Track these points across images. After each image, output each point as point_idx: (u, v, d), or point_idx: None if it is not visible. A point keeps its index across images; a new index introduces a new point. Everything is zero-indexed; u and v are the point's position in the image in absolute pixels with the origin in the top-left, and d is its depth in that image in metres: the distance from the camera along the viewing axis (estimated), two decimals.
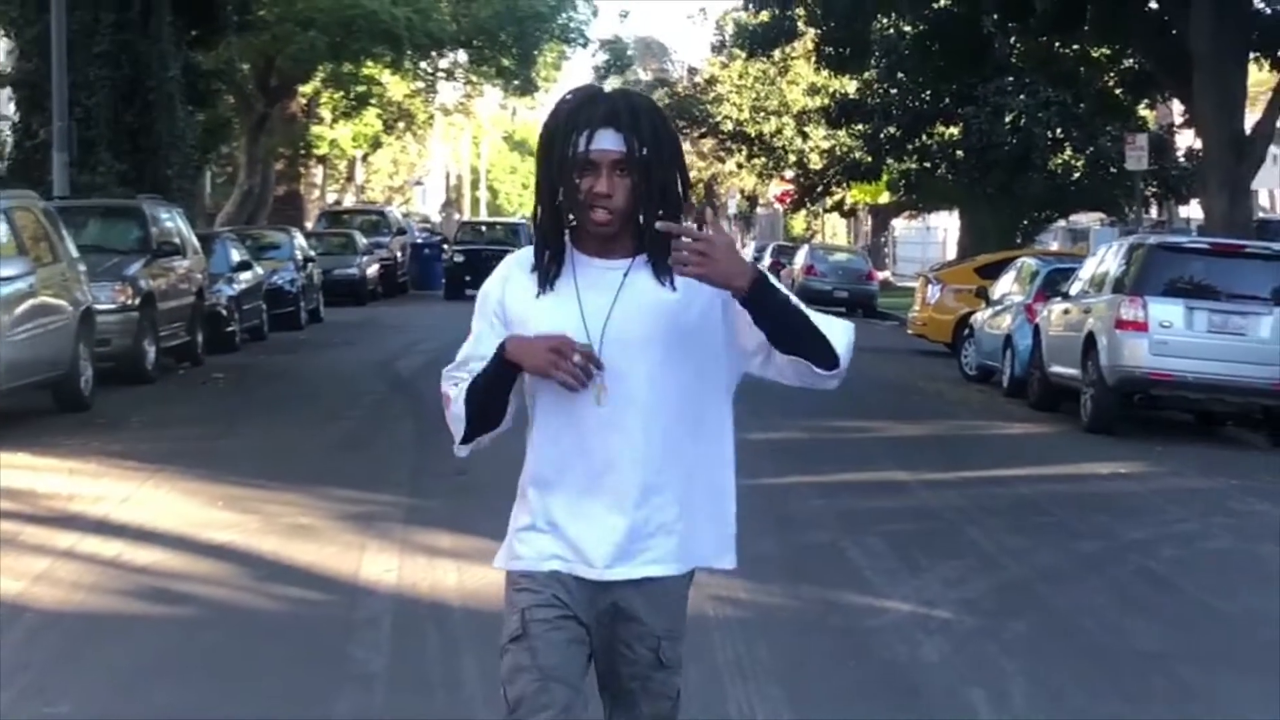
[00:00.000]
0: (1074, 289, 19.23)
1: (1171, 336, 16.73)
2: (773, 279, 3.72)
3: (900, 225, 69.77)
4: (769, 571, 9.22)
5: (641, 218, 3.79)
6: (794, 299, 3.74)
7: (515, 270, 3.91)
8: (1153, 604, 9.21)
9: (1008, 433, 17.66)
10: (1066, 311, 18.90)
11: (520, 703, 3.75)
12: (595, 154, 3.72)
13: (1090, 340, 17.38)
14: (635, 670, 3.89)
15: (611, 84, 52.28)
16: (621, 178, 3.74)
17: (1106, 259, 18.74)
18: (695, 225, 3.67)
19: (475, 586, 8.39)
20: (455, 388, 3.87)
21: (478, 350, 3.87)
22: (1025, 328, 20.60)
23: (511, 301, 3.87)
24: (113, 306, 17.91)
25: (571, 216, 3.82)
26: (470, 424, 3.84)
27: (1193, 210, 40.65)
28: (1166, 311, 16.83)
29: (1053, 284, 20.95)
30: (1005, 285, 23.54)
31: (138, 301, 18.51)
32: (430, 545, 9.74)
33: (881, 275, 51.18)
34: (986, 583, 9.46)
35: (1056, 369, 18.78)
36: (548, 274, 3.83)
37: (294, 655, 7.43)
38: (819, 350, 3.73)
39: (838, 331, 3.77)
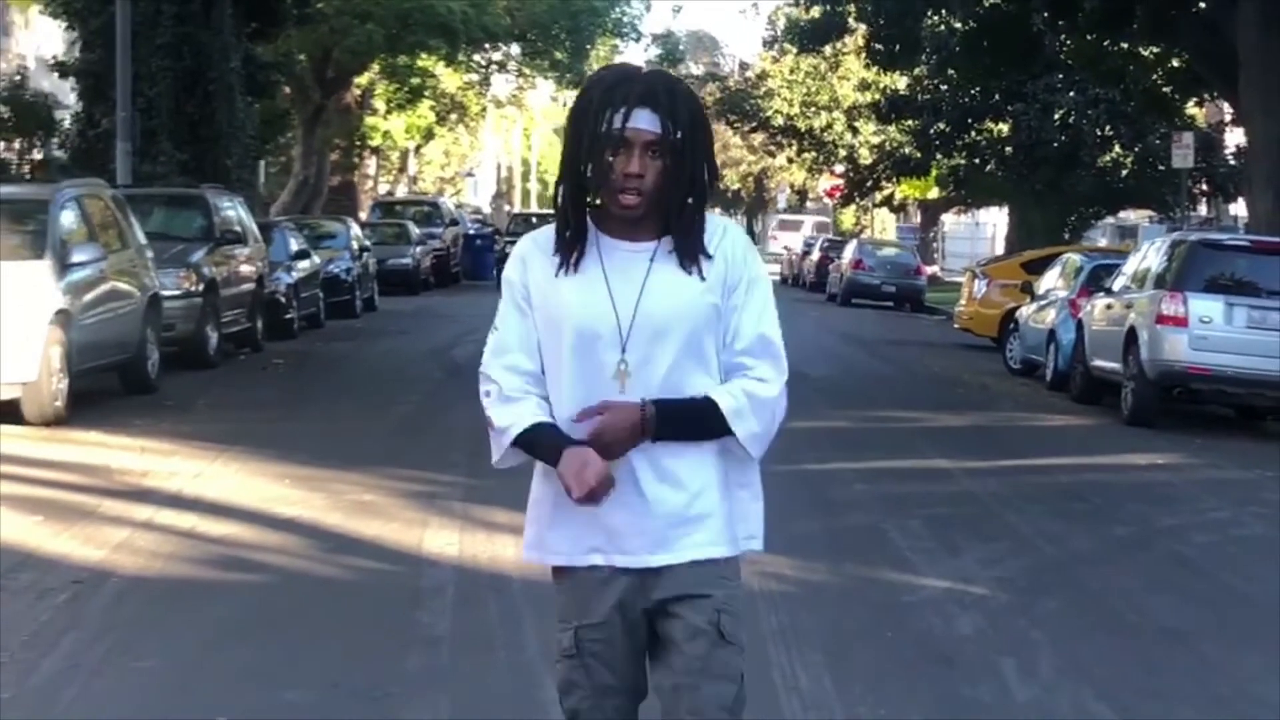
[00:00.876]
0: (1117, 284, 19.53)
1: (1211, 332, 17.03)
2: (671, 412, 3.74)
3: (950, 220, 69.95)
4: (813, 550, 9.64)
5: (669, 200, 3.75)
6: (699, 407, 3.77)
7: (533, 251, 3.85)
8: (1180, 585, 9.58)
9: (1049, 424, 18.01)
10: (1109, 306, 19.22)
11: (576, 715, 3.87)
12: (630, 132, 3.65)
13: (1131, 335, 17.70)
14: (695, 649, 3.76)
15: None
16: (654, 159, 3.68)
17: (1148, 255, 19.05)
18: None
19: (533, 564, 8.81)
20: (498, 406, 3.82)
21: (507, 339, 3.84)
22: (1069, 322, 20.93)
23: (536, 284, 3.82)
24: (177, 292, 18.42)
25: (595, 197, 3.78)
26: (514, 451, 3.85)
27: (1242, 208, 40.76)
28: (1206, 307, 17.14)
29: (1096, 279, 21.25)
30: (1050, 280, 23.85)
31: (201, 288, 19.04)
32: (489, 521, 10.18)
33: (930, 270, 51.45)
34: (1021, 563, 9.87)
35: (1098, 363, 19.11)
36: (571, 255, 3.79)
37: (365, 619, 7.90)
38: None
39: (749, 423, 3.78)
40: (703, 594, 3.78)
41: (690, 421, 3.75)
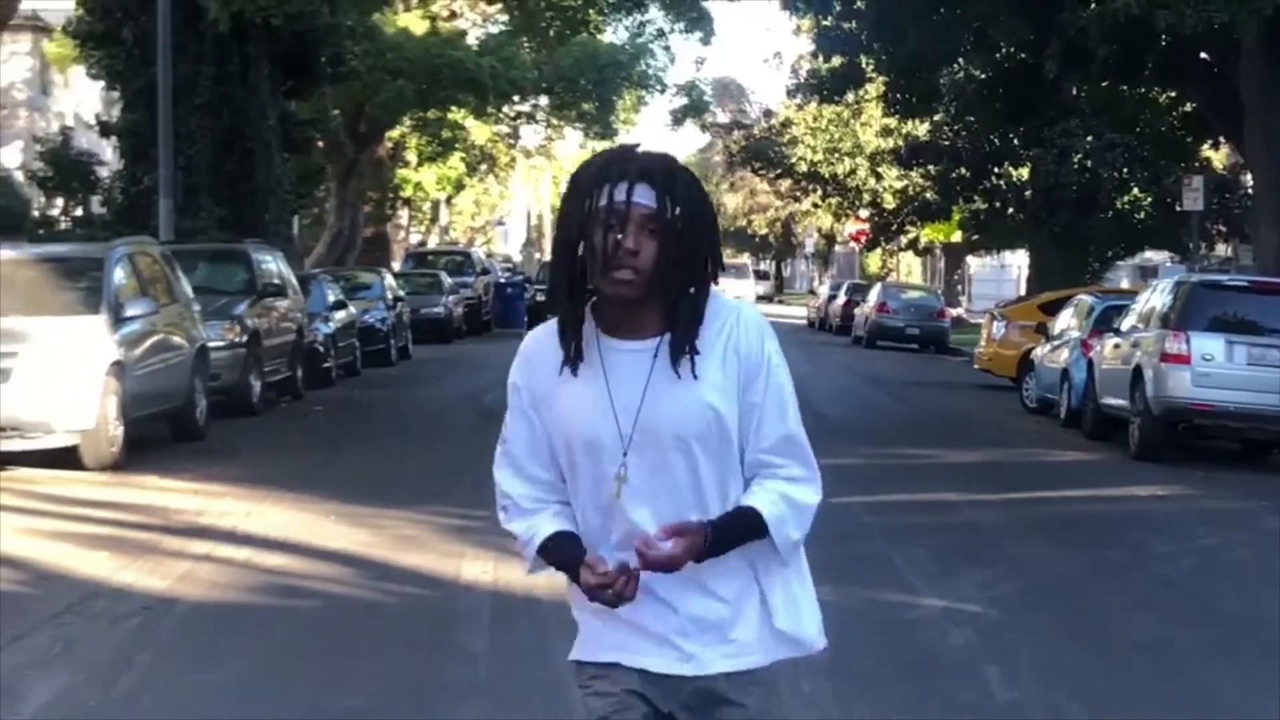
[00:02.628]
0: (1125, 325, 20.28)
1: (1213, 369, 17.78)
2: (724, 532, 3.60)
3: (975, 262, 70.76)
4: (819, 575, 10.22)
5: (668, 287, 3.53)
6: (745, 523, 3.63)
7: (534, 350, 3.71)
8: (1161, 603, 10.32)
9: (1058, 460, 18.74)
10: (1117, 346, 19.96)
11: None
12: (626, 206, 3.44)
13: (1138, 373, 18.45)
14: None
15: (689, 128, 53.40)
16: (650, 238, 3.46)
17: (1154, 297, 19.81)
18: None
19: (564, 585, 9.58)
20: (516, 520, 3.75)
21: (516, 451, 3.74)
22: (1081, 361, 21.66)
23: (539, 388, 3.68)
24: (222, 344, 19.29)
25: (592, 288, 3.57)
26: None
27: None
28: (1208, 345, 17.88)
29: (1107, 320, 21.97)
30: (1064, 321, 24.58)
31: (245, 339, 19.93)
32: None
33: (954, 312, 52.21)
34: (1015, 585, 10.63)
35: (1108, 400, 19.84)
36: (570, 349, 3.60)
37: (407, 637, 8.73)
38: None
39: (789, 531, 3.69)
40: (738, 701, 3.68)
41: (736, 539, 3.62)
